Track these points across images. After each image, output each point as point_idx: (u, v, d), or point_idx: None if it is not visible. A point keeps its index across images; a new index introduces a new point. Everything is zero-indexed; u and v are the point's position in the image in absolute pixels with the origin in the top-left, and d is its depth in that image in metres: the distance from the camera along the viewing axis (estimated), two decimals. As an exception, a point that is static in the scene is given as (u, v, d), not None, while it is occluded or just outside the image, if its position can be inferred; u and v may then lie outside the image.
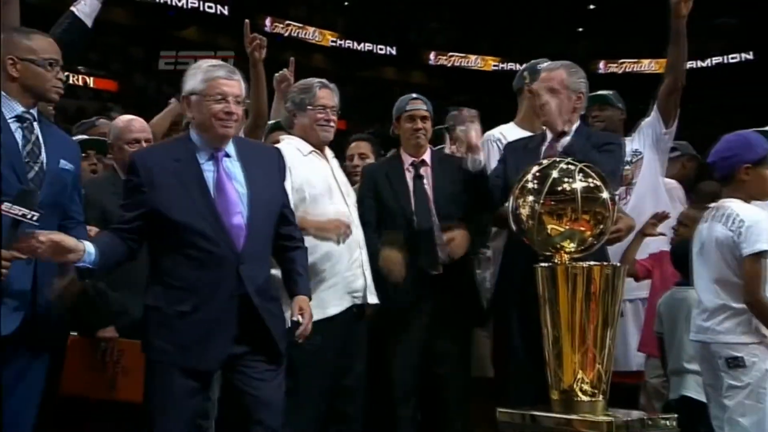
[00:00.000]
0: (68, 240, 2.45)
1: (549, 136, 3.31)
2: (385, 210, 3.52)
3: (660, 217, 3.68)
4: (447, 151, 3.96)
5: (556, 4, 25.64)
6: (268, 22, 23.17)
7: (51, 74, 2.61)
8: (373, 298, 3.31)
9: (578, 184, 2.58)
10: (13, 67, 2.58)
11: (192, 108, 2.69)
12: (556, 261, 2.62)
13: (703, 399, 3.12)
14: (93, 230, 3.15)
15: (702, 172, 4.33)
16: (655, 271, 3.74)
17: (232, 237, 2.61)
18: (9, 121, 2.55)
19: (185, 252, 2.59)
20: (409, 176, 3.56)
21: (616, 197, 3.82)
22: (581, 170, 2.60)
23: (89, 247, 2.50)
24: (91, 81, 20.10)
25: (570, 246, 2.61)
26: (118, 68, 21.15)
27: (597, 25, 25.90)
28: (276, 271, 2.91)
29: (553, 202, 2.58)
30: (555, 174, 2.60)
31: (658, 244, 3.78)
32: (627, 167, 3.89)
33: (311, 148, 3.32)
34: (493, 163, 3.49)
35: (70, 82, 17.85)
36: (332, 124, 3.38)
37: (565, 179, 2.59)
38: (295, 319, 2.73)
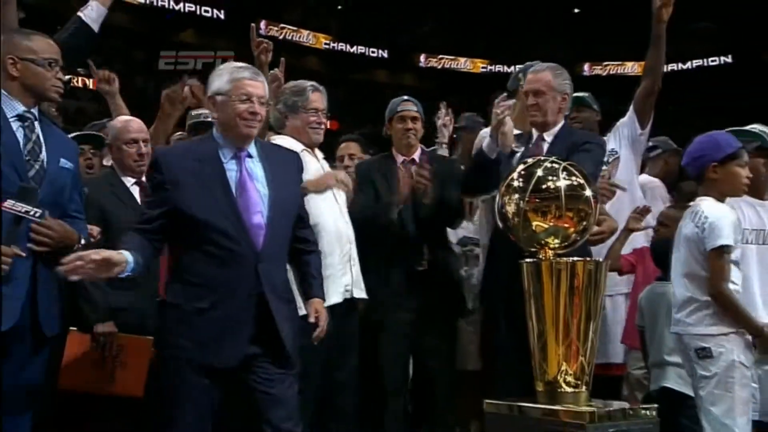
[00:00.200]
0: (114, 255, 2.43)
1: (535, 135, 3.32)
2: (380, 201, 3.56)
3: (641, 211, 3.70)
4: (440, 152, 4.00)
5: (542, 9, 25.68)
6: (263, 25, 23.09)
7: (51, 74, 2.59)
8: (360, 293, 3.32)
9: (562, 182, 2.59)
10: (13, 67, 2.56)
11: (217, 108, 2.67)
12: (540, 257, 2.63)
13: (683, 390, 3.14)
14: (94, 229, 3.15)
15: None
16: (638, 267, 3.76)
17: (252, 236, 2.58)
18: (10, 120, 2.54)
19: (206, 249, 2.55)
20: (400, 174, 3.58)
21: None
22: (565, 169, 2.62)
23: (128, 257, 2.48)
24: (90, 83, 20.06)
25: (554, 242, 2.62)
26: (118, 70, 21.05)
27: (582, 28, 25.95)
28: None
29: (537, 200, 2.60)
30: (540, 172, 2.62)
31: (641, 240, 3.81)
32: (604, 167, 3.90)
33: (303, 147, 3.33)
34: None
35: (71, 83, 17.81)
36: (323, 126, 3.40)
37: (550, 177, 2.61)
38: (311, 320, 2.71)
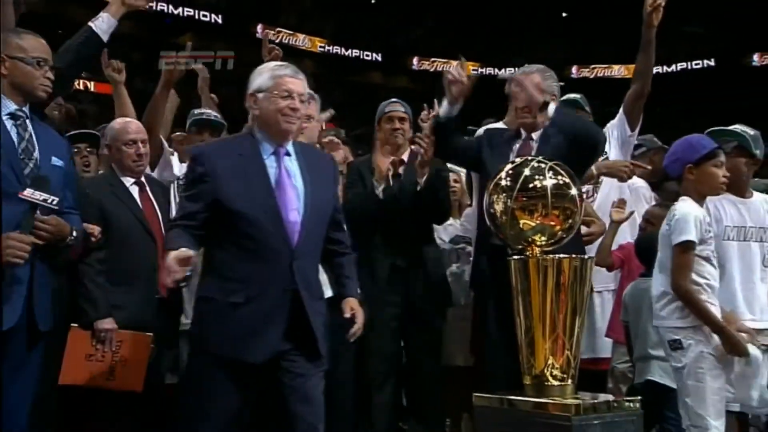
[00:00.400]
0: (188, 252, 2.40)
1: (523, 134, 3.34)
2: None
3: (620, 203, 3.73)
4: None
5: (532, 13, 25.72)
6: (259, 29, 23.06)
7: (39, 72, 2.55)
8: (328, 292, 3.32)
9: (548, 182, 2.61)
10: (2, 65, 2.52)
11: (258, 104, 2.64)
12: (528, 254, 2.63)
13: (666, 382, 3.15)
14: (95, 229, 3.14)
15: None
16: (624, 263, 3.77)
17: (289, 232, 2.56)
18: (3, 118, 2.50)
19: (242, 244, 2.52)
20: (380, 161, 3.60)
21: (584, 195, 3.90)
22: (551, 168, 2.63)
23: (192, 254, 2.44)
24: (91, 85, 19.99)
25: (541, 239, 2.63)
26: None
27: (570, 32, 25.99)
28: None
29: (525, 199, 2.62)
30: (527, 172, 2.63)
31: (627, 236, 3.82)
32: (592, 168, 3.94)
33: None
34: None
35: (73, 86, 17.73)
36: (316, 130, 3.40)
37: (537, 177, 2.62)
38: (347, 316, 2.67)
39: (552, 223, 2.61)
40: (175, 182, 3.91)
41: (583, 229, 3.40)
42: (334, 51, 26.11)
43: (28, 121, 2.57)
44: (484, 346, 3.48)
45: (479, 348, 3.66)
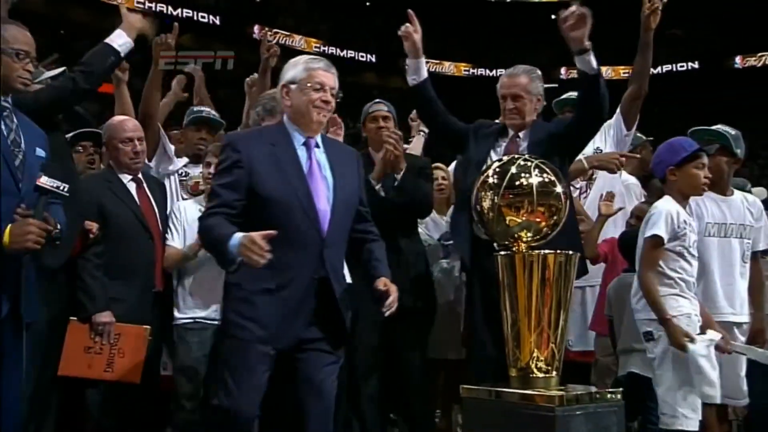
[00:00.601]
0: (273, 232, 2.35)
1: (510, 132, 3.34)
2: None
3: (609, 197, 3.75)
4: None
5: (521, 16, 25.76)
6: (256, 30, 23.01)
7: (19, 65, 2.45)
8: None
9: (534, 179, 2.61)
10: None
11: (291, 95, 2.62)
12: (514, 250, 2.63)
13: (647, 374, 3.16)
14: (93, 226, 3.13)
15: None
16: (608, 257, 3.79)
17: (321, 220, 2.54)
18: None
19: (276, 229, 2.40)
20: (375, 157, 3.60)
21: (578, 191, 3.91)
22: (537, 166, 2.64)
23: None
24: (92, 85, 19.96)
25: (527, 236, 2.64)
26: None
27: (558, 35, 26.02)
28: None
29: (511, 196, 2.62)
30: (513, 170, 2.64)
31: (611, 231, 3.83)
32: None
33: None
34: None
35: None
36: None
37: (523, 174, 2.63)
38: (381, 288, 2.58)
39: (537, 219, 2.62)
40: (174, 175, 3.91)
41: None
42: (330, 52, 26.05)
43: (12, 112, 2.46)
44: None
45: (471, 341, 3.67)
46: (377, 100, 3.80)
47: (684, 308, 2.98)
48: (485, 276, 2.98)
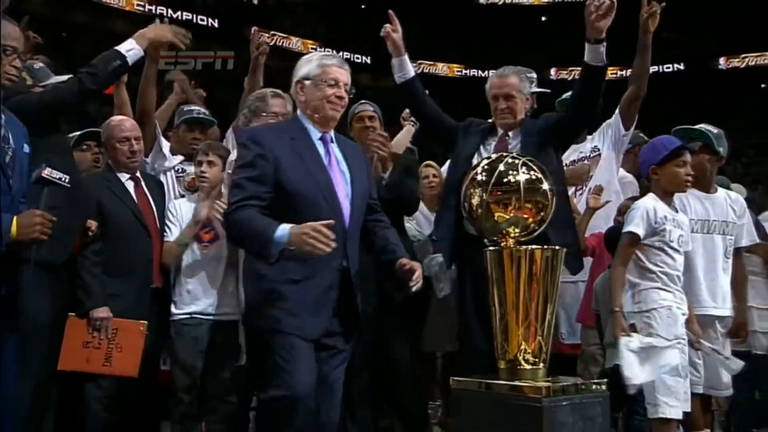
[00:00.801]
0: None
1: (500, 131, 3.34)
2: None
3: (596, 191, 3.75)
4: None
5: (512, 17, 25.78)
6: (253, 32, 22.99)
7: (5, 60, 2.41)
8: None
9: (521, 177, 2.62)
10: None
11: (305, 91, 2.61)
12: (502, 245, 2.64)
13: (633, 366, 3.17)
14: (92, 224, 3.12)
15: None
16: (597, 253, 3.79)
17: (343, 212, 2.53)
18: None
19: (299, 222, 2.37)
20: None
21: (573, 188, 3.92)
22: (524, 164, 2.64)
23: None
24: (93, 85, 19.90)
25: (514, 232, 2.64)
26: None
27: (549, 36, 26.04)
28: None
29: (499, 193, 2.63)
30: (501, 167, 2.64)
31: (601, 225, 3.83)
32: (585, 162, 4.00)
33: None
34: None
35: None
36: None
37: (510, 172, 2.63)
38: (405, 266, 2.55)
39: (525, 215, 2.62)
40: (171, 172, 3.89)
41: None
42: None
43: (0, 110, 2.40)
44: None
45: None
46: (362, 101, 3.80)
47: (665, 301, 3.01)
48: (475, 271, 2.99)
